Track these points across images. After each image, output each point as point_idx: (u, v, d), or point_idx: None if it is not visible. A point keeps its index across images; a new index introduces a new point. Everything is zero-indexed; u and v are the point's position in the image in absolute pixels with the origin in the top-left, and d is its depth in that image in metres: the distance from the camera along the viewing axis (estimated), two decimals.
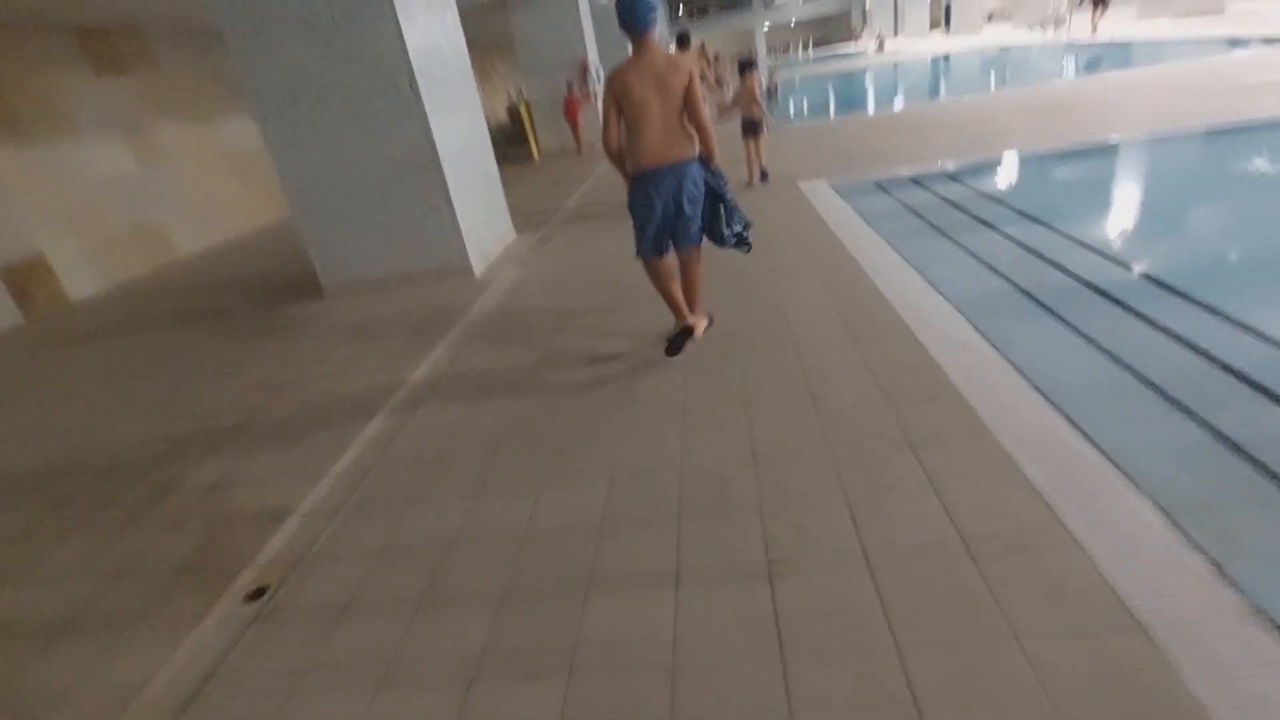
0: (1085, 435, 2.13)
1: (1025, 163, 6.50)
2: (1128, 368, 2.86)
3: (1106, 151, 6.36)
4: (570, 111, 12.46)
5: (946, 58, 22.33)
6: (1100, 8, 16.04)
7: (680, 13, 50.68)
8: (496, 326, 4.21)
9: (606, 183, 8.67)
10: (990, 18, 36.44)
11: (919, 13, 36.31)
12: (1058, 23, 21.84)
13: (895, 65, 23.05)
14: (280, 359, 4.28)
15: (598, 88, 12.84)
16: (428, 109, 4.93)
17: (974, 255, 4.40)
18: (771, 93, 14.48)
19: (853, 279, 3.85)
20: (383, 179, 5.15)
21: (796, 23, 52.30)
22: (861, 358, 2.90)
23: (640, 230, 3.11)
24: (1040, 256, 4.23)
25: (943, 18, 32.63)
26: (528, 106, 13.34)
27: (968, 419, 2.32)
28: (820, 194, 5.95)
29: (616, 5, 2.88)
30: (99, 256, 7.93)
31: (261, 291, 6.24)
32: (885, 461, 2.19)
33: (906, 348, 2.92)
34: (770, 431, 2.49)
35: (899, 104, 13.91)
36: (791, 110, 14.66)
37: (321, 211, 5.32)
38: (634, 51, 2.93)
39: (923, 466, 2.13)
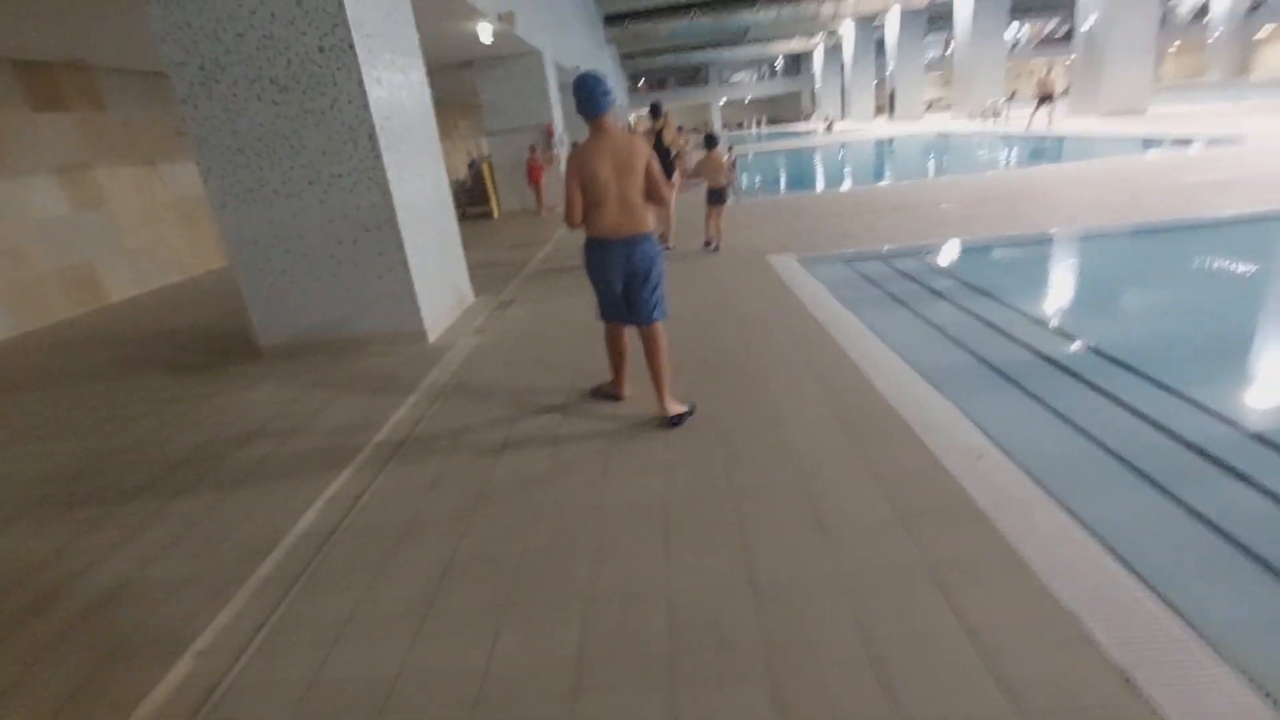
0: (1149, 586, 1.85)
1: (991, 249, 6.56)
2: (1183, 504, 2.65)
3: (1069, 242, 6.51)
4: (533, 174, 12.39)
5: (891, 141, 23.52)
6: (1048, 104, 16.95)
7: (640, 84, 52.91)
8: (448, 408, 3.77)
9: (569, 245, 8.47)
10: (929, 105, 39.03)
11: (865, 98, 38.55)
12: (995, 114, 23.46)
13: (843, 145, 24.12)
14: (186, 435, 3.76)
15: (561, 151, 12.84)
16: (388, 168, 4.63)
17: (964, 346, 4.27)
18: (730, 167, 14.81)
19: (840, 368, 3.63)
20: (335, 238, 4.77)
21: (750, 100, 55.04)
22: (865, 464, 2.63)
23: (598, 295, 3.30)
24: (1018, 340, 4.14)
25: (887, 104, 34.67)
26: (490, 166, 13.24)
27: (1001, 550, 2.05)
28: (790, 269, 5.84)
29: (574, 91, 3.03)
30: (17, 300, 7.24)
31: (191, 348, 5.67)
32: (914, 603, 1.88)
33: (913, 454, 2.66)
34: (771, 556, 2.16)
35: (852, 184, 14.37)
36: (750, 184, 14.97)
37: (265, 269, 4.88)
38: (592, 132, 3.08)
39: (960, 613, 1.82)
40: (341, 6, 4.31)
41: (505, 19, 8.73)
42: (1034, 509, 2.23)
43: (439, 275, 5.41)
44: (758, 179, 16.43)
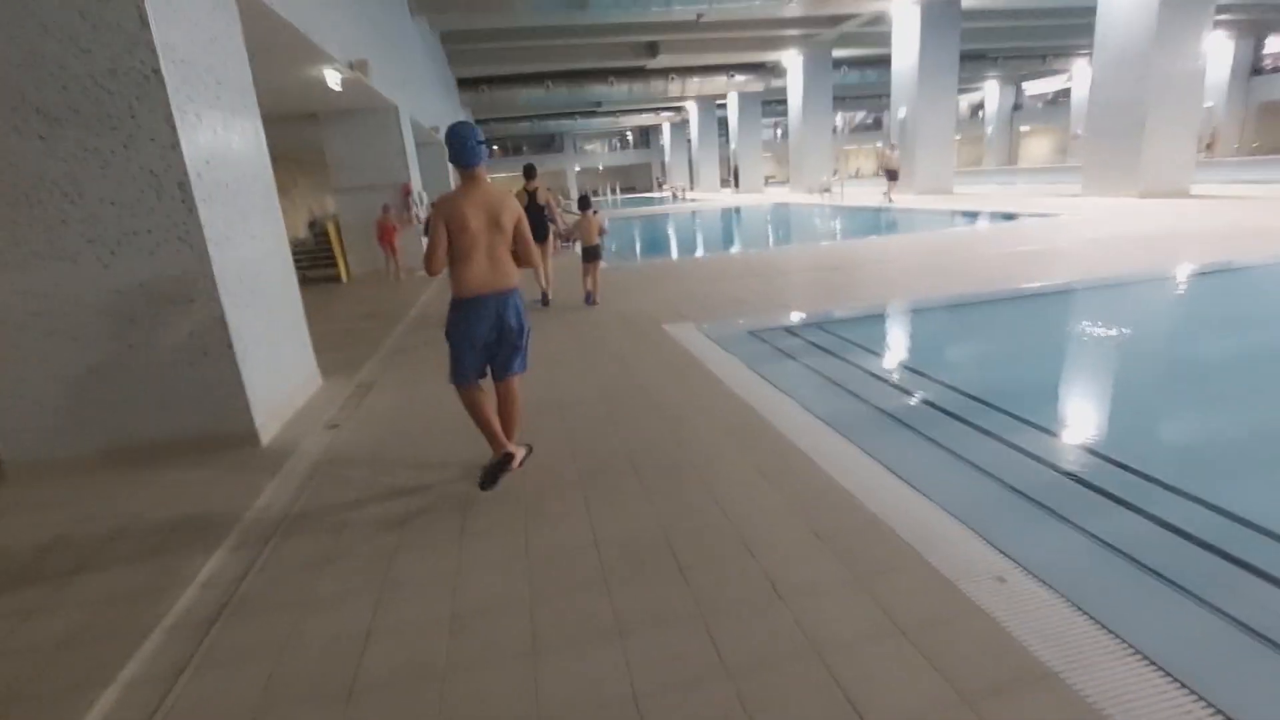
0: None
1: (910, 314, 6.52)
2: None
3: (974, 307, 6.62)
4: (385, 236, 11.27)
5: (738, 210, 24.95)
6: (893, 181, 19.02)
7: (494, 149, 52.95)
8: (284, 560, 2.68)
9: (437, 313, 7.53)
10: (767, 181, 42.47)
11: (711, 171, 41.16)
12: (826, 189, 25.92)
13: (694, 213, 25.16)
14: None
15: (419, 211, 11.89)
16: (206, 225, 3.60)
17: (922, 433, 3.97)
18: (601, 232, 14.63)
19: (795, 467, 3.12)
20: (125, 315, 3.59)
21: (605, 168, 56.90)
22: (880, 609, 2.05)
23: (457, 358, 3.12)
24: (970, 422, 3.93)
25: (732, 177, 37.18)
26: (336, 225, 11.94)
27: None
28: (694, 340, 5.41)
29: (447, 140, 2.98)
30: None
31: None
32: None
33: (928, 587, 2.14)
34: None
35: (721, 249, 14.68)
36: (616, 248, 14.85)
37: (13, 356, 3.56)
38: (463, 182, 3.04)
39: None
40: (145, 24, 3.33)
41: (358, 67, 7.88)
42: (1101, 655, 1.78)
43: (275, 358, 4.33)
44: (619, 244, 16.39)
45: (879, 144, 55.93)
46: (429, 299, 9.35)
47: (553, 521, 2.75)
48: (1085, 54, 35.11)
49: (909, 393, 4.46)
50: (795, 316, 6.23)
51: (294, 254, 9.64)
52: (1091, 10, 22.99)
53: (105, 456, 3.71)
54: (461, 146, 2.96)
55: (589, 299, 7.43)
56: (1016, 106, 45.84)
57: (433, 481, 3.26)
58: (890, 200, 18.53)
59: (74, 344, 3.58)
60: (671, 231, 19.88)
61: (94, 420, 3.68)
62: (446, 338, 3.12)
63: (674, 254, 14.21)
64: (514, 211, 3.07)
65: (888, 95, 22.62)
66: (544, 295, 7.61)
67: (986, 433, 3.59)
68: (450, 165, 3.08)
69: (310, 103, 9.96)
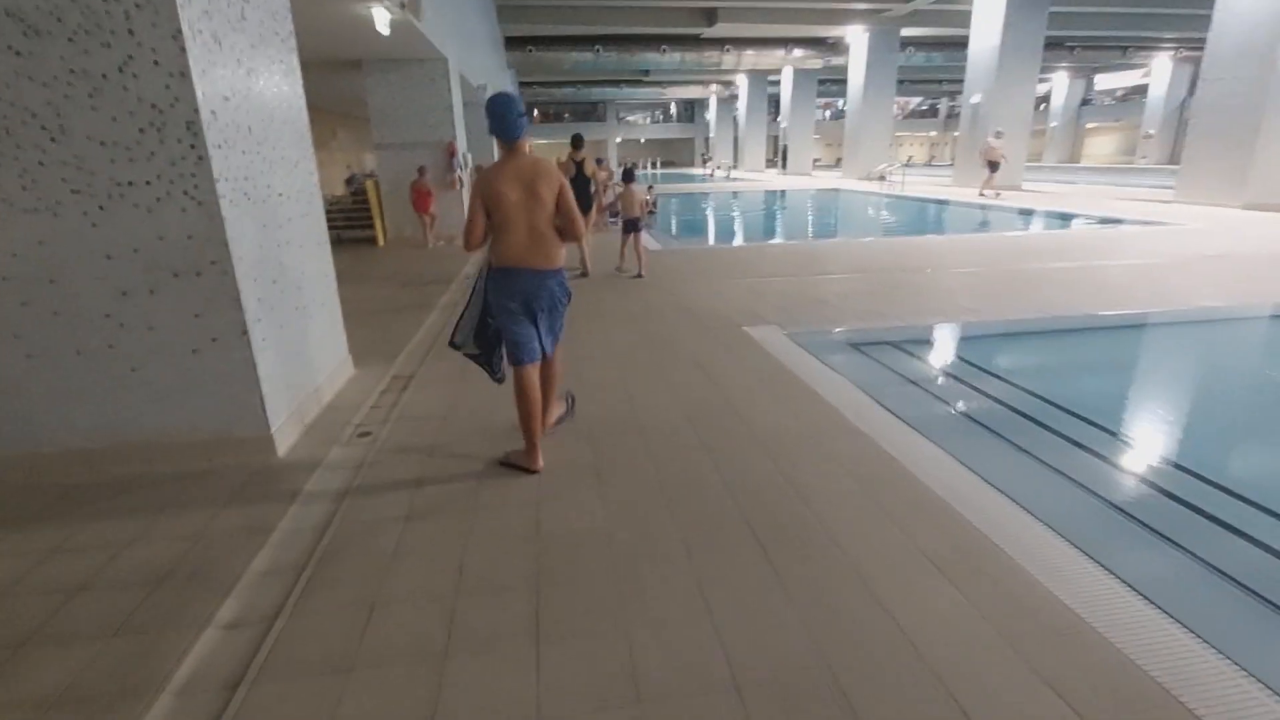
0: None
1: (1019, 335, 5.49)
2: None
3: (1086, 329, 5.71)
4: (420, 201, 10.53)
5: (783, 193, 23.73)
6: (994, 173, 17.10)
7: (533, 116, 51.79)
8: (297, 653, 1.97)
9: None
10: (815, 163, 40.88)
11: (757, 150, 39.66)
12: (880, 176, 24.55)
13: (737, 194, 23.96)
14: None
15: (463, 174, 11.12)
16: (219, 179, 2.85)
17: (1074, 481, 3.13)
18: (651, 207, 13.75)
19: (963, 543, 2.32)
20: (117, 286, 2.88)
21: (646, 141, 55.49)
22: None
23: (506, 333, 2.98)
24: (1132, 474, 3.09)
25: (780, 158, 35.73)
26: (375, 184, 11.22)
27: None
28: (787, 351, 4.58)
29: (488, 111, 2.85)
30: None
31: None
32: None
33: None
34: None
35: (782, 237, 13.62)
36: (667, 229, 13.90)
37: None
38: (503, 155, 2.92)
39: None
40: None
41: (409, 7, 7.04)
42: None
43: (299, 345, 3.61)
44: (670, 224, 15.41)
45: (937, 132, 53.77)
46: (473, 269, 8.62)
47: (658, 629, 1.98)
48: (1170, 48, 32.88)
49: (1099, 456, 3.56)
50: (897, 326, 5.30)
51: (328, 212, 8.98)
52: None
53: (90, 459, 3.03)
54: (503, 120, 2.84)
55: (625, 271, 7.51)
56: (1085, 101, 43.44)
57: (491, 527, 2.52)
58: (989, 195, 16.90)
59: (55, 320, 2.87)
60: (724, 213, 18.76)
61: (79, 417, 3.00)
62: (490, 316, 3.02)
63: (731, 239, 13.18)
64: (553, 181, 2.89)
65: (949, 80, 21.24)
66: (584, 267, 7.62)
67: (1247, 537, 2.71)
68: (492, 138, 2.92)
69: (354, 47, 9.17)
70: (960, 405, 4.01)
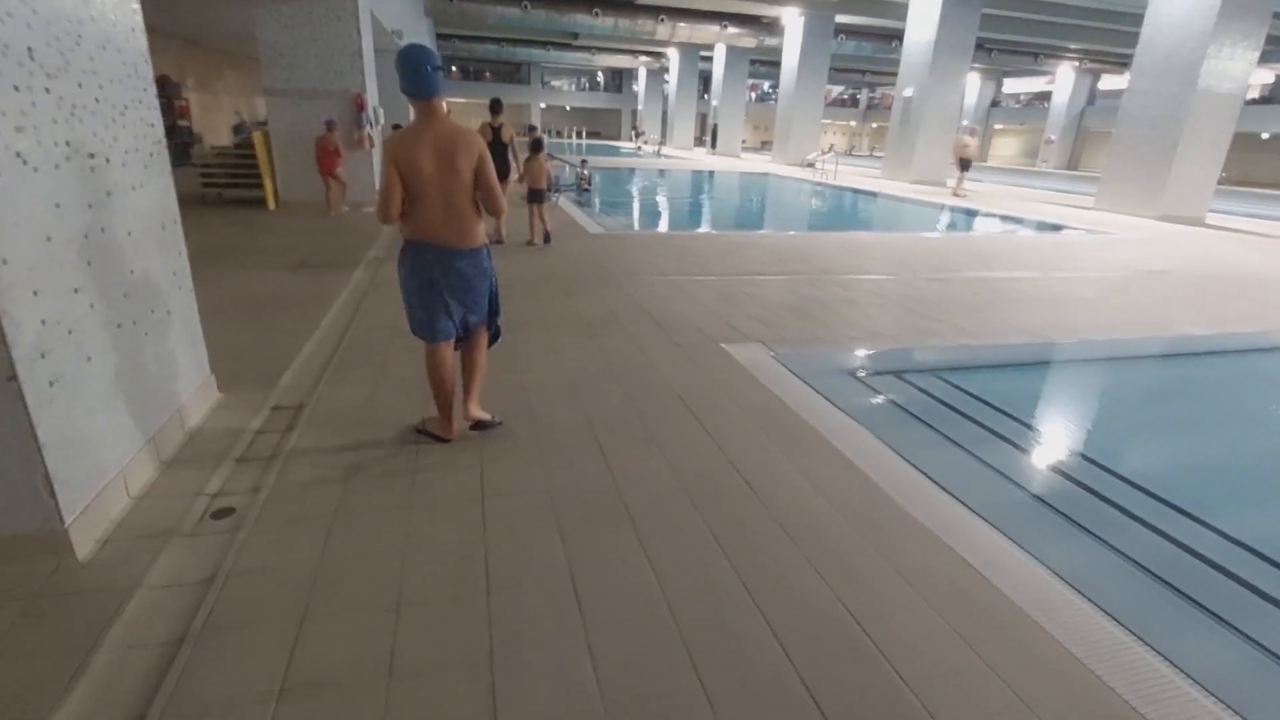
0: None
1: (1046, 363, 4.97)
2: None
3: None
4: (326, 161, 9.02)
5: (712, 174, 23.14)
6: (964, 171, 16.55)
7: (451, 71, 48.48)
8: None
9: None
10: (743, 144, 40.62)
11: (686, 127, 38.89)
12: (809, 165, 24.45)
13: (667, 171, 23.09)
14: None
15: (373, 132, 9.66)
16: None
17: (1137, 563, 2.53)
18: (586, 183, 12.68)
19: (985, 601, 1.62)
20: None
21: (572, 109, 53.41)
22: None
23: (411, 306, 2.81)
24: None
25: (710, 138, 35.11)
26: (266, 137, 9.54)
27: None
28: (775, 376, 3.81)
29: (399, 65, 2.57)
30: None
31: None
32: None
33: None
34: None
35: (736, 224, 12.75)
36: (612, 208, 12.82)
37: None
38: (419, 116, 2.65)
39: None
40: None
41: None
42: None
43: (123, 380, 2.46)
44: (615, 198, 14.32)
45: (856, 122, 54.79)
46: (387, 242, 7.33)
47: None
48: (1076, 58, 34.60)
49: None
50: (899, 350, 4.62)
51: (207, 166, 7.55)
52: (1102, 13, 21.88)
53: None
54: (415, 73, 2.58)
55: (534, 243, 7.47)
56: (994, 103, 45.38)
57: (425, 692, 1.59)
58: (959, 194, 16.26)
59: None
60: (663, 193, 17.75)
61: None
62: (401, 286, 2.82)
63: (681, 224, 12.12)
64: (473, 152, 2.66)
65: (873, 71, 21.22)
66: (498, 233, 7.58)
67: None
68: (404, 94, 2.63)
69: None
70: (998, 461, 3.38)
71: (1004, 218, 13.33)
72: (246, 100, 24.62)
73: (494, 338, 3.06)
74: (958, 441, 3.38)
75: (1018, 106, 46.60)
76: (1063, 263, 8.10)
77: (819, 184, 19.84)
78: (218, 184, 10.05)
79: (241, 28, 10.54)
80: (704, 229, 11.25)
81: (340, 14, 8.89)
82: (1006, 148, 48.12)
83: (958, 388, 4.18)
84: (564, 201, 11.63)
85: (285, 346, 4.04)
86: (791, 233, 9.97)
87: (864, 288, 6.25)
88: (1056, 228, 11.75)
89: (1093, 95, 37.80)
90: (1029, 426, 3.91)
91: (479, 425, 2.98)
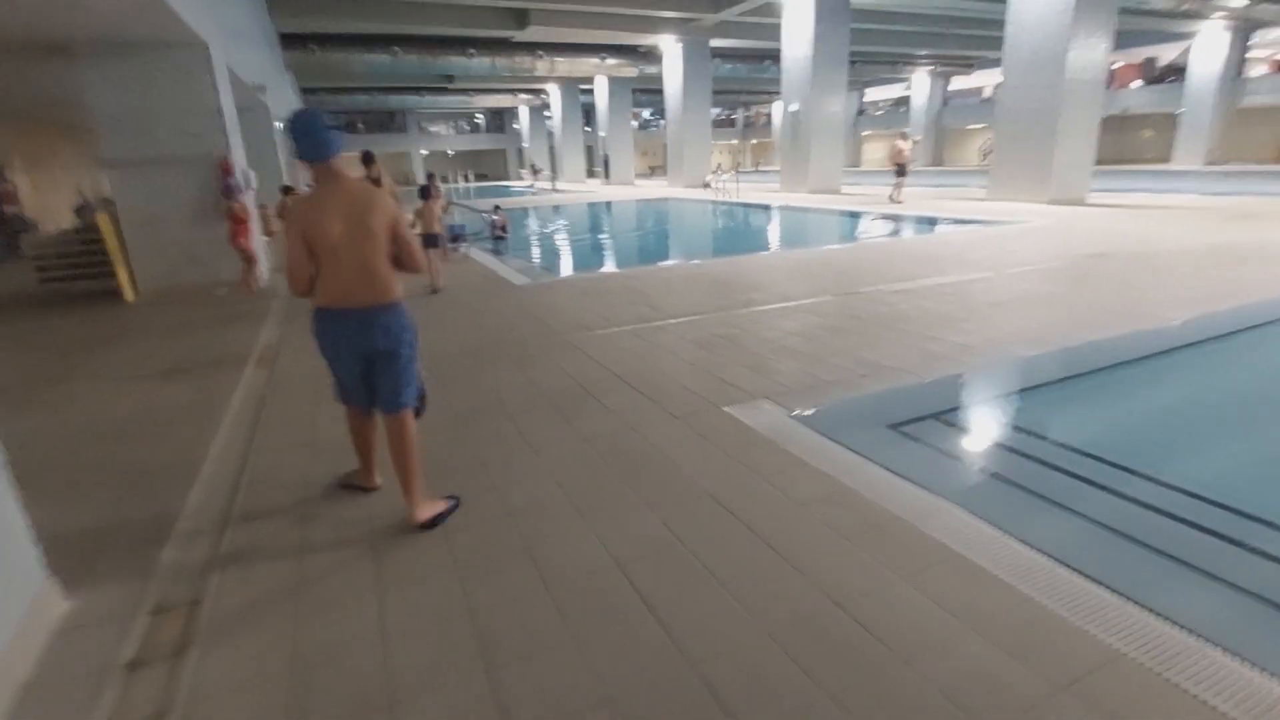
0: None
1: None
2: None
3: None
4: (237, 230, 7.83)
5: (609, 205, 22.83)
6: (901, 177, 16.00)
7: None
8: None
9: (302, 363, 4.53)
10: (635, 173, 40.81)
11: (576, 160, 38.67)
12: (706, 184, 24.68)
13: (556, 207, 22.45)
14: None
15: (246, 198, 8.40)
16: None
17: None
18: (501, 230, 11.77)
19: None
20: None
21: (455, 154, 52.06)
22: None
23: (334, 374, 2.71)
24: None
25: (602, 168, 34.96)
26: (114, 216, 8.06)
27: None
28: (813, 448, 3.13)
29: (292, 132, 2.48)
30: None
31: None
32: None
33: None
34: None
35: (664, 254, 12.15)
36: (529, 254, 11.90)
37: None
38: (319, 180, 2.53)
39: None
40: None
41: None
42: None
43: None
44: (537, 240, 13.40)
45: (737, 140, 56.58)
46: (279, 323, 6.17)
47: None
48: (928, 64, 37.21)
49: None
50: (916, 387, 3.96)
51: (44, 258, 6.43)
52: (949, 19, 23.50)
53: None
54: (309, 136, 2.45)
55: (435, 290, 7.48)
56: (860, 112, 48.15)
57: None
58: (897, 200, 15.83)
59: None
60: (571, 229, 16.94)
61: None
62: (319, 352, 2.66)
63: (605, 261, 11.34)
64: (387, 210, 2.53)
65: (747, 91, 21.74)
66: (434, 286, 7.59)
67: None
68: (299, 160, 2.50)
69: (52, 20, 6.25)
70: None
71: (919, 219, 13.54)
72: (91, 176, 21.98)
73: (418, 411, 2.80)
74: (1085, 514, 2.78)
75: (879, 114, 49.68)
76: (1002, 258, 8.04)
77: (727, 203, 19.80)
78: (58, 277, 8.43)
79: (74, 94, 9.00)
80: (636, 264, 10.50)
81: (190, 69, 7.66)
82: (876, 152, 51.19)
83: (1026, 431, 3.57)
84: (476, 252, 10.67)
85: (161, 498, 2.96)
86: (730, 257, 9.41)
87: (831, 310, 5.76)
88: (970, 222, 11.96)
89: (946, 97, 40.77)
90: (1133, 472, 3.30)
91: (434, 522, 2.61)
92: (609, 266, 10.27)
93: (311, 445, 3.48)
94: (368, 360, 2.60)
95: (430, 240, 7.40)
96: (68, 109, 12.77)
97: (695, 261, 9.09)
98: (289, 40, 22.04)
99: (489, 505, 2.77)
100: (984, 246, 9.05)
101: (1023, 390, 4.24)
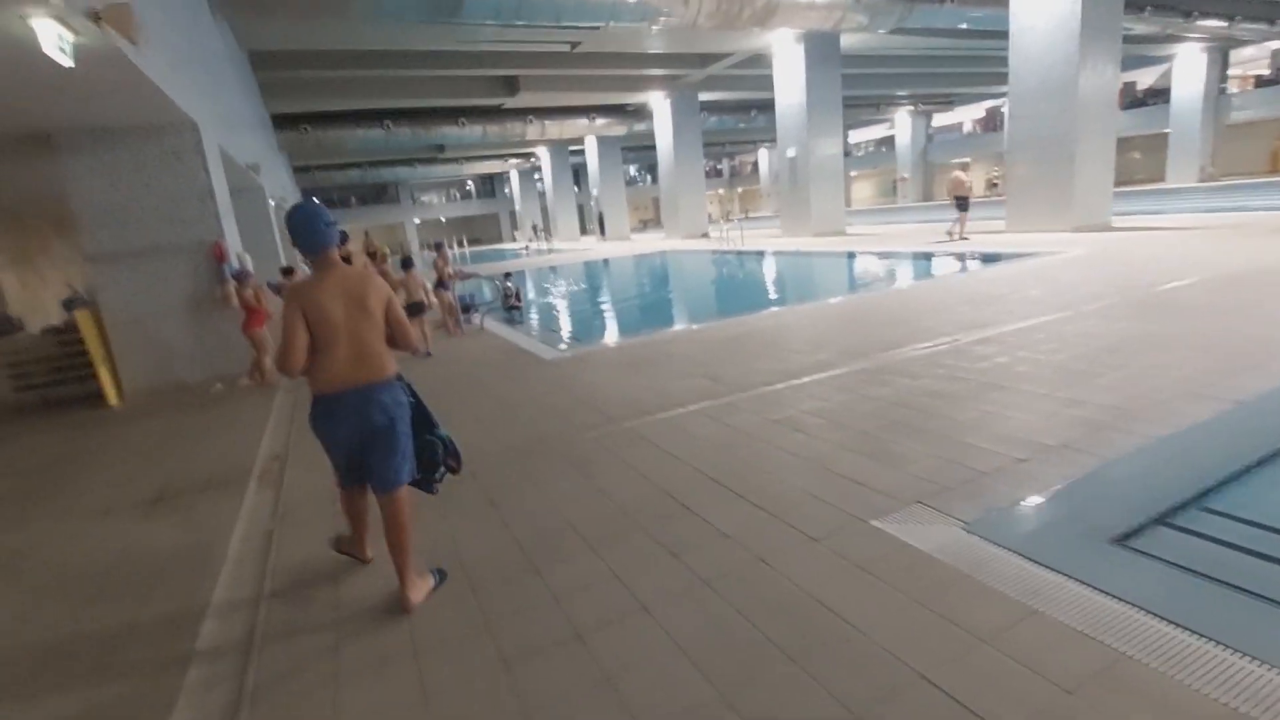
0: None
1: None
2: None
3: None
4: (251, 319, 7.15)
5: (606, 261, 22.43)
6: (964, 212, 14.82)
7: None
8: None
9: (311, 483, 3.71)
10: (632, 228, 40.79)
11: (569, 219, 38.65)
12: (705, 234, 24.39)
13: (554, 267, 22.02)
14: None
15: (231, 285, 7.71)
16: None
17: None
18: (515, 299, 11.13)
19: None
20: None
21: (448, 220, 52.30)
22: None
23: (333, 459, 2.75)
24: None
25: (597, 225, 34.86)
26: (97, 314, 7.36)
27: None
28: (1016, 580, 2.32)
29: (291, 226, 2.56)
30: None
31: None
32: None
33: None
34: None
35: (685, 312, 11.44)
36: (553, 323, 11.13)
37: None
38: (315, 268, 2.61)
39: None
40: None
41: (110, 20, 3.98)
42: None
43: None
44: (550, 314, 12.67)
45: (724, 189, 57.13)
46: (283, 428, 5.36)
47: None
48: (909, 104, 37.76)
49: None
50: (1109, 477, 3.04)
51: (19, 364, 5.98)
52: (928, 59, 23.59)
53: None
54: (306, 227, 2.53)
55: (420, 353, 7.43)
56: (846, 154, 48.81)
57: None
58: (959, 237, 14.66)
59: None
60: (588, 291, 16.14)
61: None
62: (316, 435, 2.68)
63: (634, 324, 10.41)
64: (382, 292, 2.66)
65: (731, 142, 21.65)
66: (426, 349, 8.00)
67: None
68: (299, 252, 2.61)
69: (31, 106, 5.67)
70: None
71: (958, 255, 12.89)
72: (81, 270, 21.48)
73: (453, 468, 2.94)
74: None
75: (865, 154, 50.34)
76: (1065, 292, 7.36)
77: (737, 252, 19.33)
78: (34, 384, 7.65)
79: (59, 188, 8.44)
80: (668, 325, 9.52)
81: (180, 152, 7.09)
82: (863, 190, 51.73)
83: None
84: (491, 323, 9.97)
85: (147, 700, 2.11)
86: (768, 311, 8.55)
87: (919, 370, 5.01)
88: (1010, 256, 11.33)
89: (930, 133, 41.28)
90: None
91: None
92: (640, 331, 9.29)
93: (336, 607, 2.65)
94: (365, 439, 2.61)
95: (414, 308, 7.78)
96: (55, 204, 12.28)
97: (736, 317, 8.32)
98: (281, 120, 21.96)
99: (598, 707, 1.92)
100: (1037, 282, 8.38)
101: (1248, 469, 3.09)
